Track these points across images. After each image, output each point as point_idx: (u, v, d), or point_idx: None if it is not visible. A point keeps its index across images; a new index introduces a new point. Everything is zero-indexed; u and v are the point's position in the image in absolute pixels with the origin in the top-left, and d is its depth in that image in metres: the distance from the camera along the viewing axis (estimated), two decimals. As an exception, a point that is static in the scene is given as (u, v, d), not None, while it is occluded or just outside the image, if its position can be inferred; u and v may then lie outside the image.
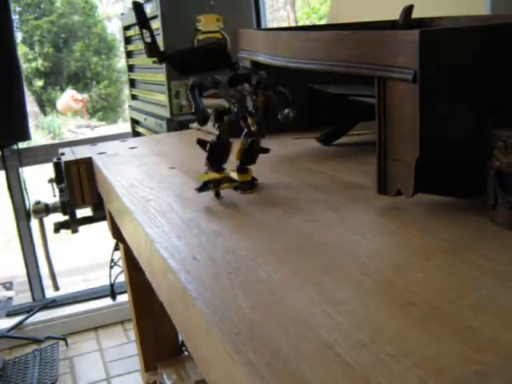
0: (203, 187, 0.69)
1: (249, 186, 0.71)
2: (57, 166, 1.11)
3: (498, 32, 0.55)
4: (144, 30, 0.64)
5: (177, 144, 1.16)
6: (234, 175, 0.71)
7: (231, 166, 0.72)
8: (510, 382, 0.30)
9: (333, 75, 0.70)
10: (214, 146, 0.69)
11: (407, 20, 0.96)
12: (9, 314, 2.35)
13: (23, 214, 2.22)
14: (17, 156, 2.15)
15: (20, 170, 2.20)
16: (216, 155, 0.69)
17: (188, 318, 0.46)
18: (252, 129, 0.67)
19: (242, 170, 0.71)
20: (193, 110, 0.62)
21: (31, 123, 2.15)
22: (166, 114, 1.64)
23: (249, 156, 0.70)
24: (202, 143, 0.70)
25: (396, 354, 0.33)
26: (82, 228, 1.18)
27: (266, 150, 0.73)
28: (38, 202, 1.14)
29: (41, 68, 6.84)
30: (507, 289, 0.40)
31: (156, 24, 1.60)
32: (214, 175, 0.68)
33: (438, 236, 0.51)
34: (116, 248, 2.11)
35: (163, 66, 1.59)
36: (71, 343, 2.23)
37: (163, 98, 1.66)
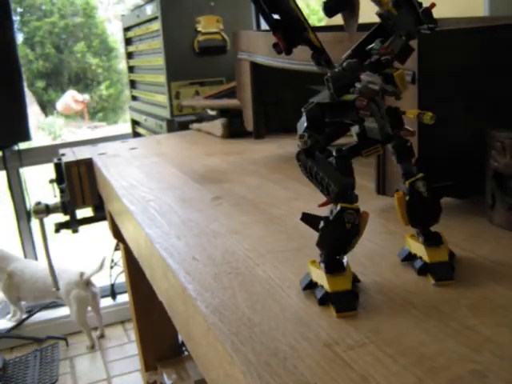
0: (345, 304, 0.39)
1: (446, 271, 0.41)
2: (57, 166, 1.11)
3: (495, 34, 0.55)
4: None
5: (177, 145, 1.16)
6: (419, 248, 0.43)
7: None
8: (506, 381, 0.30)
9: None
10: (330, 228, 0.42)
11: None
12: (10, 314, 2.35)
13: (24, 215, 2.23)
14: (17, 156, 2.16)
15: (20, 170, 2.21)
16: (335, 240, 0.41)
17: (188, 318, 0.47)
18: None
19: (430, 240, 0.42)
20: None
21: (32, 124, 2.15)
22: (166, 114, 1.64)
23: (425, 208, 0.41)
24: (310, 220, 0.43)
25: (394, 353, 0.34)
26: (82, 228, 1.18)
27: (451, 188, 0.43)
28: (38, 203, 1.14)
29: (42, 69, 6.84)
30: (505, 289, 0.40)
31: (156, 25, 1.60)
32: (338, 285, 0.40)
33: (437, 236, 0.52)
34: (116, 248, 2.12)
35: (164, 67, 1.59)
36: (72, 343, 2.23)
37: (163, 98, 1.66)
